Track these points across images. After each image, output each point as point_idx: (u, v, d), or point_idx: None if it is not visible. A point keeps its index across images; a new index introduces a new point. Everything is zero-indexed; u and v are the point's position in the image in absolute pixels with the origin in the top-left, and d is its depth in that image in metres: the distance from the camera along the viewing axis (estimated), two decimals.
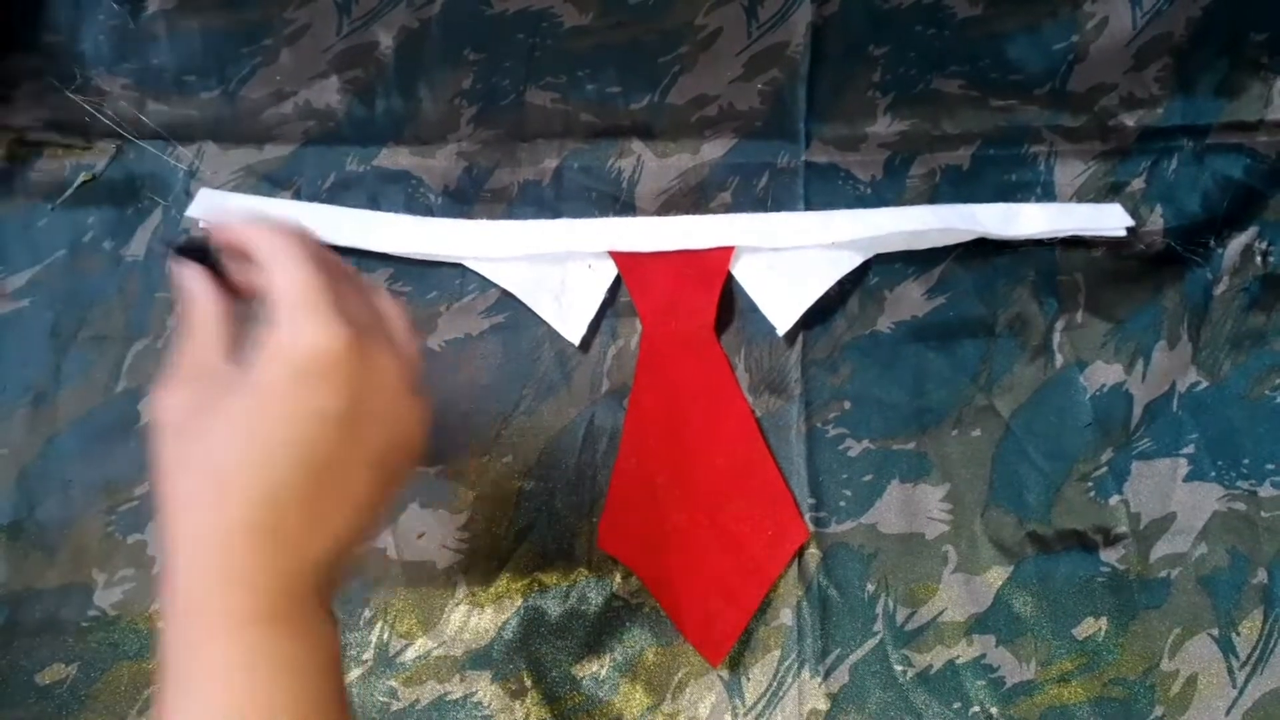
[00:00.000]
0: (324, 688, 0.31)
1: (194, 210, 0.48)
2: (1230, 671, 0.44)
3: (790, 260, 0.48)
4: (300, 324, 0.31)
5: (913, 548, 0.45)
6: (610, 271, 0.49)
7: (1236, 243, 0.50)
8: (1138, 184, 0.51)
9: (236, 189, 0.50)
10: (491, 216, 0.50)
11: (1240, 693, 0.43)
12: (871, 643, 0.44)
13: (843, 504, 0.46)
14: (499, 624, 0.44)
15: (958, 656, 0.44)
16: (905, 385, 0.48)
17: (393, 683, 0.44)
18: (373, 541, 0.38)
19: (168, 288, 0.48)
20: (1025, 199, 0.50)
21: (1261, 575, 0.45)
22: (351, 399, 0.31)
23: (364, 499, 0.33)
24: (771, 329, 0.48)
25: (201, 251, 0.34)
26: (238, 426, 0.31)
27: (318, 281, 0.31)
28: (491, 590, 0.45)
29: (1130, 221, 0.49)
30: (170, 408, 0.31)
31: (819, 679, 0.44)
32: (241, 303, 0.33)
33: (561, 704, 0.43)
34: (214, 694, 0.30)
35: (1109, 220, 0.49)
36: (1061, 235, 0.49)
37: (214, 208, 0.48)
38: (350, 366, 0.31)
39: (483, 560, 0.45)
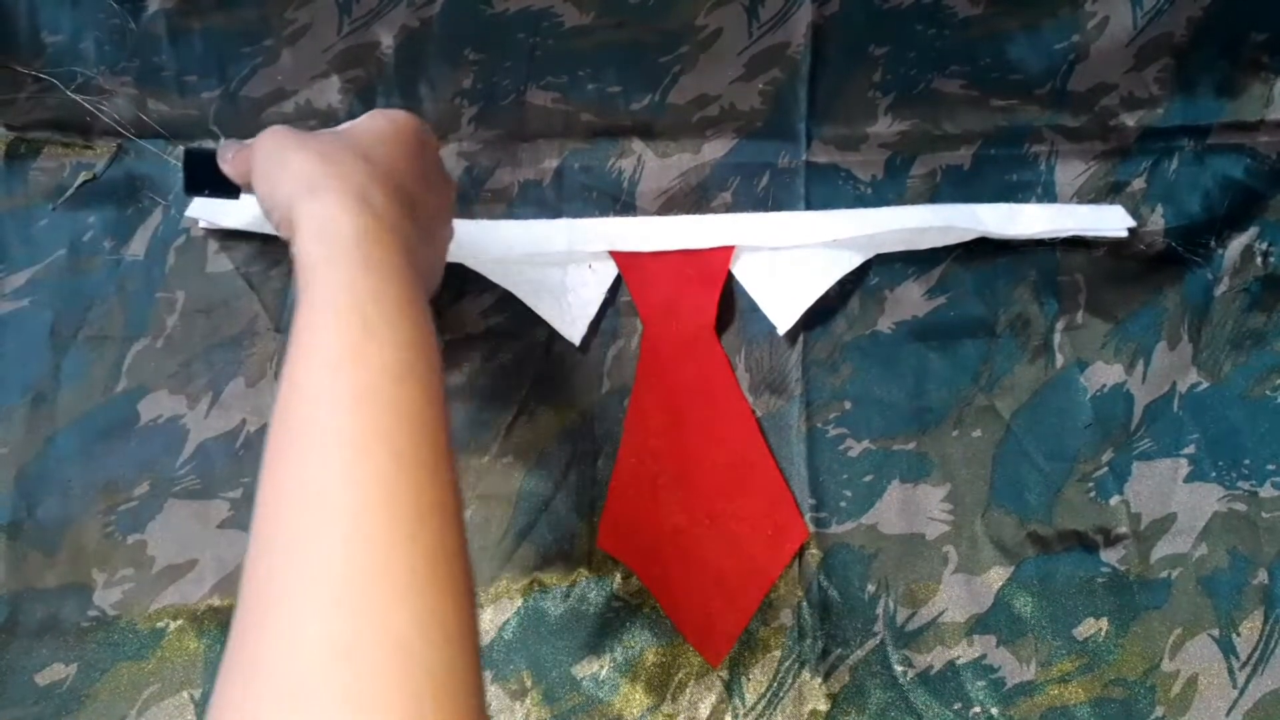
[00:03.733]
0: (438, 354, 0.32)
1: (194, 210, 0.48)
2: (1231, 672, 0.44)
3: (791, 260, 0.48)
4: (397, 111, 0.39)
5: (913, 548, 0.45)
6: (611, 271, 0.48)
7: (1237, 243, 0.50)
8: (1138, 184, 0.51)
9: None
10: (492, 216, 0.50)
11: (1241, 693, 0.43)
12: (872, 643, 0.44)
13: (843, 504, 0.46)
14: (499, 624, 0.44)
15: (958, 657, 0.44)
16: (906, 385, 0.48)
17: None
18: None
19: (168, 288, 0.48)
20: (1026, 199, 0.50)
21: (1262, 576, 0.45)
22: (440, 169, 0.40)
23: (437, 261, 0.40)
24: (772, 329, 0.48)
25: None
26: (369, 134, 0.37)
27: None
28: (491, 590, 0.45)
29: (1132, 222, 0.49)
30: (281, 130, 0.37)
31: (819, 679, 0.44)
32: None
33: (561, 704, 0.43)
34: (381, 326, 0.30)
35: (1110, 221, 0.49)
36: (1062, 235, 0.49)
37: (214, 207, 0.48)
38: (436, 146, 0.40)
39: (483, 560, 0.45)
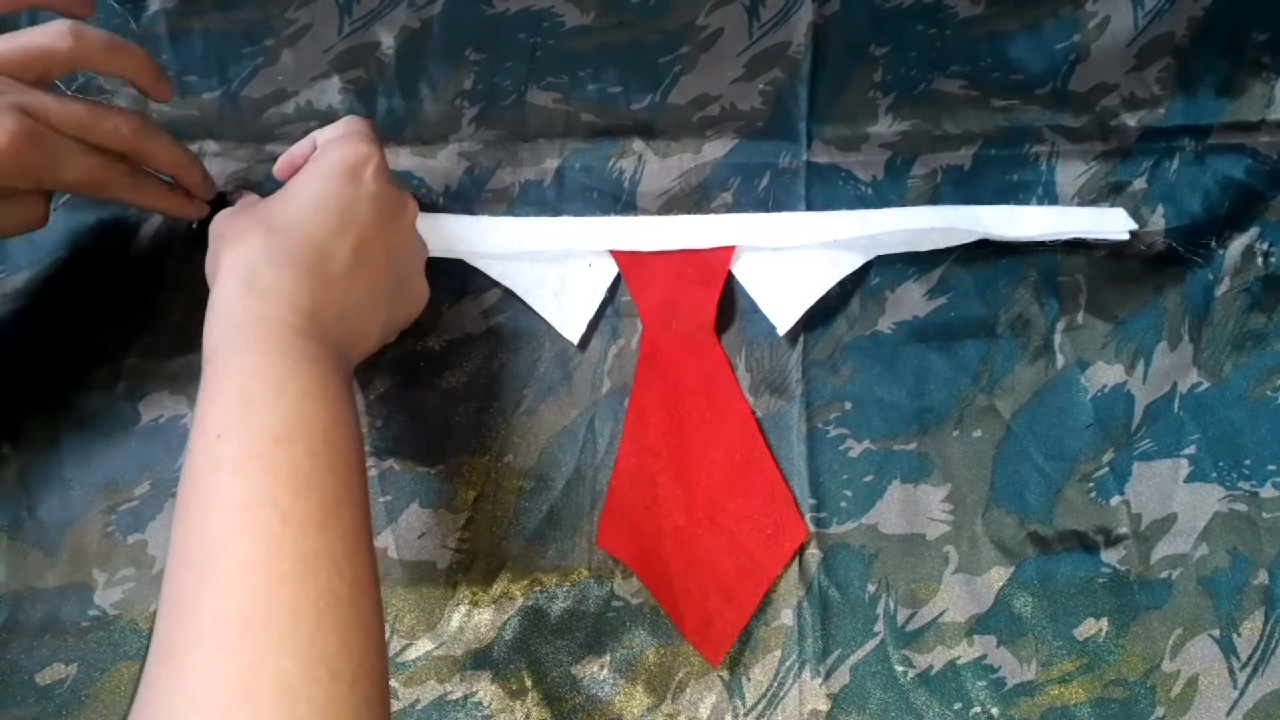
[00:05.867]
0: (350, 421, 0.35)
1: None
2: (1231, 672, 0.44)
3: (791, 260, 0.48)
4: (337, 144, 0.41)
5: (914, 548, 0.45)
6: (610, 270, 0.48)
7: (1238, 243, 0.50)
8: (1139, 184, 0.51)
9: (239, 189, 0.50)
10: (493, 216, 0.50)
11: (1241, 694, 0.43)
12: (872, 643, 0.44)
13: (843, 504, 0.46)
14: (499, 624, 0.44)
15: (959, 657, 0.44)
16: (906, 385, 0.48)
17: (393, 683, 0.44)
18: (366, 355, 0.41)
19: (168, 288, 0.48)
20: (1027, 199, 0.50)
21: (1263, 576, 0.45)
22: (376, 195, 0.40)
23: (381, 288, 0.40)
24: (772, 329, 0.48)
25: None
26: (285, 195, 0.40)
27: (358, 126, 0.42)
28: (491, 590, 0.45)
29: (1133, 225, 0.49)
30: (221, 214, 0.40)
31: (819, 679, 0.44)
32: None
33: (561, 704, 0.43)
34: (260, 397, 0.33)
35: (1112, 223, 0.49)
36: (1064, 238, 0.49)
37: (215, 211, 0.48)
38: (374, 169, 0.41)
39: (483, 560, 0.45)
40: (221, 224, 0.39)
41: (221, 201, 0.48)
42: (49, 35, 0.39)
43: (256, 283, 0.36)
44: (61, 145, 0.39)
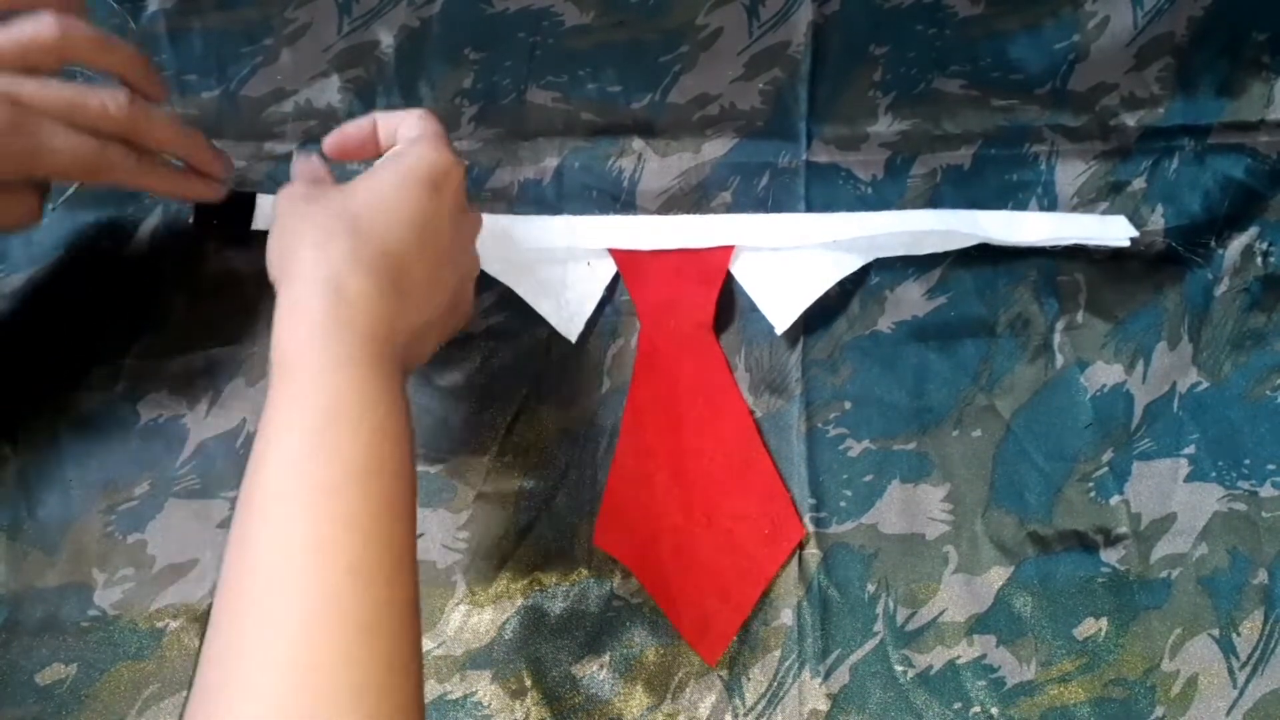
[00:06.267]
0: (411, 453, 0.34)
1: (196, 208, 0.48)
2: (1231, 672, 0.44)
3: (790, 260, 0.48)
4: (423, 148, 0.38)
5: (913, 548, 0.45)
6: (609, 269, 0.48)
7: (1237, 243, 0.50)
8: (1138, 184, 0.51)
9: (237, 187, 0.50)
10: (493, 215, 0.50)
11: (1241, 693, 0.43)
12: (872, 643, 0.44)
13: (843, 504, 0.46)
14: (499, 624, 0.44)
15: (958, 657, 0.44)
16: (906, 385, 0.48)
17: None
18: (412, 373, 0.40)
19: (167, 288, 0.48)
20: (1026, 199, 0.50)
21: (1262, 576, 0.45)
22: (454, 212, 0.39)
23: (444, 307, 0.39)
24: (771, 329, 0.48)
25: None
26: (368, 194, 0.37)
27: (439, 129, 0.40)
28: (491, 590, 0.45)
29: (1134, 233, 0.49)
30: (293, 193, 0.37)
31: (819, 679, 0.44)
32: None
33: (561, 704, 0.43)
34: (346, 417, 0.31)
35: (1113, 230, 0.49)
36: (1064, 244, 0.49)
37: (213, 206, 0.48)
38: (457, 183, 0.39)
39: (483, 560, 0.45)
40: (296, 206, 0.37)
41: (239, 199, 0.47)
42: (35, 26, 0.37)
43: (345, 290, 0.33)
44: (47, 128, 0.37)
